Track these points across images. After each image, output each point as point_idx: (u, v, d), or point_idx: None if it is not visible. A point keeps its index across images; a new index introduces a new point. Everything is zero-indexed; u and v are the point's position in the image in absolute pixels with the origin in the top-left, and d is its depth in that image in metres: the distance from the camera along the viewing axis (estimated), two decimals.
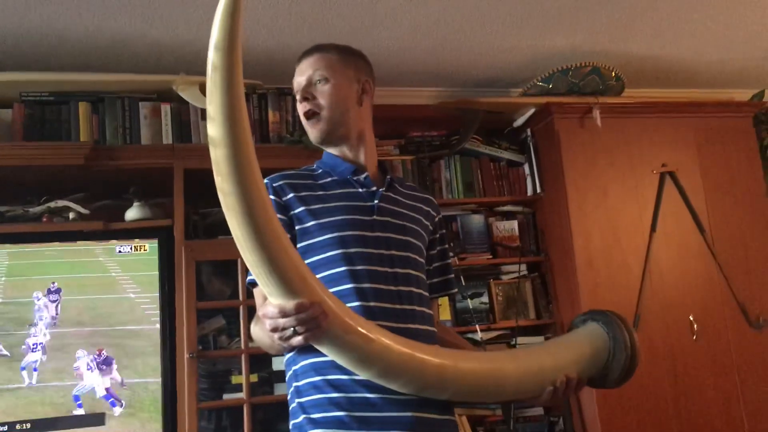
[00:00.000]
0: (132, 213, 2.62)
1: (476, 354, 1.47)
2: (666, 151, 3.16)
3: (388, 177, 1.52)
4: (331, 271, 1.35)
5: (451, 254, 1.68)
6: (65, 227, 2.54)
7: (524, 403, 2.91)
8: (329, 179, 1.47)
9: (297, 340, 1.15)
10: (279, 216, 1.34)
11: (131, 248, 2.62)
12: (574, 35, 2.95)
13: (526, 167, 3.33)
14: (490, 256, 3.21)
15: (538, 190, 3.24)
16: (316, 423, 1.28)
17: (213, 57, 1.05)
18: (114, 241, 2.60)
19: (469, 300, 3.10)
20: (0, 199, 2.57)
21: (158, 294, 2.57)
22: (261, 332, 1.27)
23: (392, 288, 1.36)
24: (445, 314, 3.06)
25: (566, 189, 3.04)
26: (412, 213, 1.49)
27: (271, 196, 1.40)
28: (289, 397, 1.39)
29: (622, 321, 1.38)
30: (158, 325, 2.53)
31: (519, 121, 3.30)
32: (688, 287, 3.05)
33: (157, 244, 2.61)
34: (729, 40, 3.13)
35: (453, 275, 1.62)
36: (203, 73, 3.00)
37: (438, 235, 1.58)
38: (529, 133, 3.30)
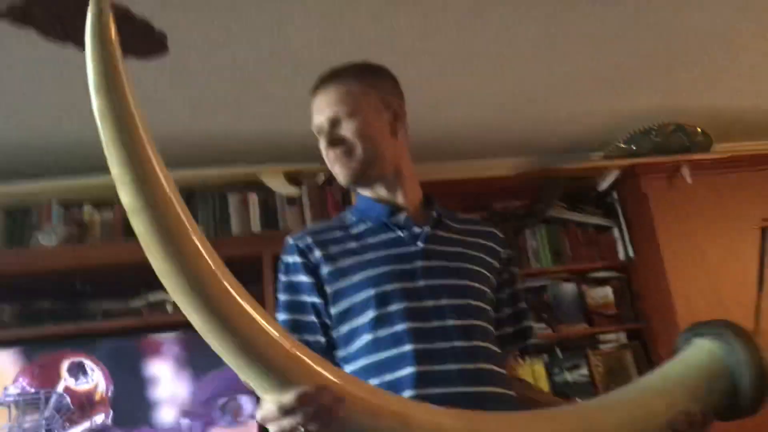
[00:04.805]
0: None
1: (559, 412, 1.13)
2: (765, 204, 3.00)
3: (434, 212, 1.29)
4: (372, 337, 1.14)
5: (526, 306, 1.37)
6: (166, 319, 2.63)
7: None
8: (363, 228, 1.27)
9: None
10: (306, 279, 1.21)
11: None
12: (654, 95, 2.90)
13: (616, 231, 3.23)
14: (586, 326, 3.10)
15: (631, 254, 3.13)
16: None
17: (95, 103, 0.84)
18: None
19: (567, 372, 2.98)
20: (104, 295, 2.69)
21: None
22: None
23: (447, 345, 1.12)
24: (542, 387, 2.94)
25: (661, 251, 2.92)
26: (470, 251, 1.26)
27: (297, 258, 1.23)
28: None
29: (736, 330, 1.09)
30: None
31: (603, 185, 3.23)
32: None
33: None
34: None
35: (530, 323, 1.34)
36: (288, 161, 3.08)
37: (507, 275, 1.32)
38: (615, 196, 3.22)
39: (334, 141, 1.25)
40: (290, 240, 1.27)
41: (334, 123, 1.25)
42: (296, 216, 2.87)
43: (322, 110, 1.26)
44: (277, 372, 0.87)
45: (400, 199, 1.29)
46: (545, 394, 1.37)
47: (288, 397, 0.86)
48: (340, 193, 2.94)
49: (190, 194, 2.84)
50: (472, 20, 2.19)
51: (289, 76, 2.36)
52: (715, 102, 3.02)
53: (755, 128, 3.34)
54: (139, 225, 0.84)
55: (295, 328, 1.21)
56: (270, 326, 0.89)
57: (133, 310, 2.66)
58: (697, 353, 1.12)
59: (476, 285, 1.22)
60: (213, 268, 0.86)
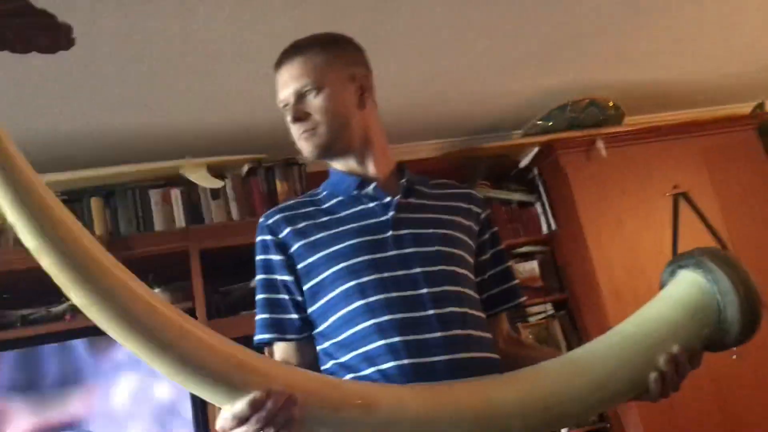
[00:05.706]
0: None
1: (533, 372, 1.06)
2: (675, 173, 3.14)
3: (404, 180, 1.26)
4: (345, 310, 1.13)
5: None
6: (89, 323, 2.54)
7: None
8: (334, 201, 1.25)
9: None
10: (277, 257, 1.21)
11: None
12: (567, 72, 2.99)
13: (538, 206, 3.32)
14: None
15: (553, 227, 3.23)
16: None
17: None
18: None
19: None
20: (23, 303, 2.58)
21: None
22: None
23: (422, 314, 1.10)
24: None
25: (581, 223, 3.02)
26: (444, 215, 1.23)
27: (267, 236, 1.23)
28: None
29: (719, 257, 1.02)
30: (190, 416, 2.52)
31: (524, 162, 3.31)
32: None
33: None
34: (722, 58, 3.15)
35: (516, 281, 1.33)
36: (208, 154, 3.03)
37: (488, 236, 1.31)
38: (535, 172, 3.31)
39: (299, 116, 1.22)
40: (261, 219, 1.26)
41: (300, 97, 1.22)
42: (221, 209, 2.83)
43: (286, 84, 1.24)
44: (224, 382, 0.85)
45: (370, 170, 1.27)
46: (542, 351, 1.34)
47: (239, 405, 0.86)
48: (265, 183, 2.91)
49: (109, 192, 2.75)
50: (384, 4, 2.19)
51: (201, 67, 2.31)
52: (625, 76, 3.13)
53: (663, 100, 3.49)
54: (51, 267, 0.83)
55: (270, 306, 1.22)
56: (206, 335, 0.87)
57: (56, 315, 2.56)
58: (677, 286, 1.06)
59: (449, 250, 1.19)
60: (134, 288, 0.85)
